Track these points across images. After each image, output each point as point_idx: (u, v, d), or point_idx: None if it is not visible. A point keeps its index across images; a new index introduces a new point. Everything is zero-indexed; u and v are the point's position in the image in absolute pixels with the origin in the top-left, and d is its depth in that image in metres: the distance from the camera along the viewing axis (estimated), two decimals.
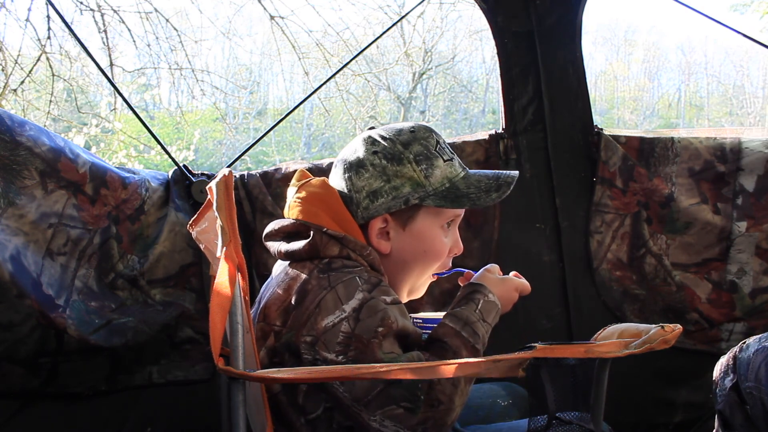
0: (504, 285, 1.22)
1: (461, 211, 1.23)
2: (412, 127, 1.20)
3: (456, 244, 1.25)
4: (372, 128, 1.23)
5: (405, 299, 1.26)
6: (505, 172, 1.23)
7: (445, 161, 1.19)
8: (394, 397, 1.02)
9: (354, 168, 1.17)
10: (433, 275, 1.27)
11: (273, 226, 1.22)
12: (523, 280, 1.26)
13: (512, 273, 1.29)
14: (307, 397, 1.06)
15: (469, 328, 1.10)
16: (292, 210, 1.19)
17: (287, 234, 1.19)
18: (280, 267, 1.22)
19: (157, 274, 1.93)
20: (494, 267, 1.26)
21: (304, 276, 1.10)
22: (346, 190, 1.18)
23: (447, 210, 1.19)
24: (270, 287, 1.17)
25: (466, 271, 1.31)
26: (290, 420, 1.08)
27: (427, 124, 1.23)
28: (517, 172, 1.24)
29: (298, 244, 1.14)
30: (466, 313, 1.12)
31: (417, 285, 1.25)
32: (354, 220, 1.16)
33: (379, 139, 1.18)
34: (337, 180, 1.20)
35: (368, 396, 1.02)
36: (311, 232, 1.13)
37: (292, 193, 1.21)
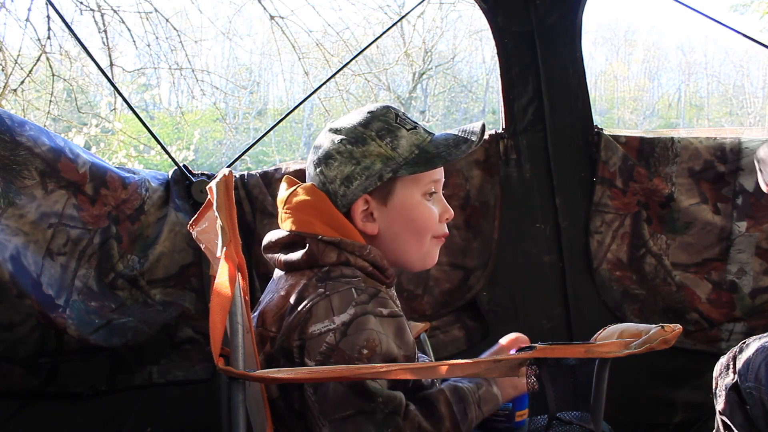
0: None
1: (439, 176, 1.22)
2: (369, 109, 1.21)
3: (445, 209, 1.23)
4: (331, 122, 1.24)
5: (419, 268, 1.25)
6: (470, 125, 1.22)
7: (408, 130, 1.18)
8: (361, 427, 1.00)
9: (323, 161, 1.17)
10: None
11: (270, 237, 1.21)
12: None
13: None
14: (302, 404, 1.06)
15: (461, 405, 1.09)
16: (284, 222, 1.18)
17: (284, 245, 1.19)
18: (279, 274, 1.22)
19: (157, 274, 1.93)
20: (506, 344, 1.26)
21: (302, 283, 1.09)
22: (321, 185, 1.17)
23: (423, 177, 1.18)
24: (269, 293, 1.17)
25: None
26: (290, 425, 1.08)
27: (385, 103, 1.22)
28: (482, 122, 1.22)
29: (295, 255, 1.13)
30: (466, 391, 1.11)
31: (423, 253, 1.22)
32: (347, 222, 1.16)
33: (339, 127, 1.19)
34: (311, 180, 1.20)
35: (336, 415, 1.00)
36: (307, 242, 1.12)
37: (281, 205, 1.20)
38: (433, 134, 1.21)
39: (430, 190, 1.20)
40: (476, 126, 1.20)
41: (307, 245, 1.12)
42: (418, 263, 1.23)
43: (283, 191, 1.21)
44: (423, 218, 1.19)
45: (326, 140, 1.19)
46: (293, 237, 1.16)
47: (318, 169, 1.18)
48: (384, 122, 1.17)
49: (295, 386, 1.05)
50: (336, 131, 1.19)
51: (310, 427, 1.02)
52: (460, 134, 1.20)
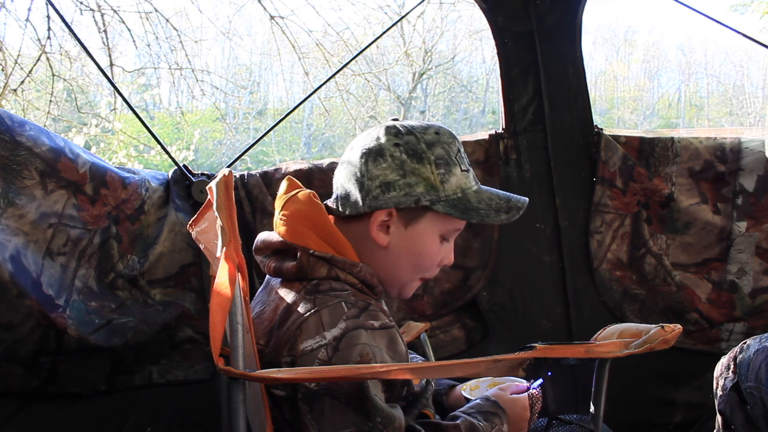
0: (519, 412, 1.20)
1: (463, 225, 1.21)
2: (438, 129, 1.18)
3: (447, 255, 1.23)
4: (395, 119, 1.22)
5: (394, 295, 1.24)
6: (516, 195, 1.22)
7: (462, 171, 1.17)
8: None
9: (372, 154, 1.14)
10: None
11: (261, 239, 1.20)
12: (534, 392, 1.24)
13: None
14: (294, 415, 1.05)
15: None
16: (278, 228, 1.17)
17: (275, 251, 1.18)
18: (270, 280, 1.21)
19: (157, 274, 1.93)
20: (513, 386, 1.26)
21: (291, 296, 1.09)
22: (358, 174, 1.15)
23: (452, 220, 1.17)
24: (259, 303, 1.17)
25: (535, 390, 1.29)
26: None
27: (451, 130, 1.20)
28: (527, 199, 1.22)
29: (286, 264, 1.13)
30: (480, 430, 1.12)
31: (405, 283, 1.22)
32: (342, 237, 1.14)
33: (404, 132, 1.16)
34: (351, 164, 1.18)
35: None
36: (298, 255, 1.11)
37: (277, 208, 1.19)
38: (480, 186, 1.20)
39: (449, 236, 1.20)
40: (523, 201, 1.20)
41: (298, 258, 1.11)
42: (396, 290, 1.23)
43: (281, 194, 1.20)
44: (429, 256, 1.19)
45: (386, 137, 1.16)
46: (285, 245, 1.15)
47: (363, 159, 1.15)
48: (446, 151, 1.15)
49: (286, 399, 1.04)
50: (399, 134, 1.15)
51: None
52: (504, 201, 1.19)
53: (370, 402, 1.00)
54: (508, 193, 1.21)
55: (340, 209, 1.18)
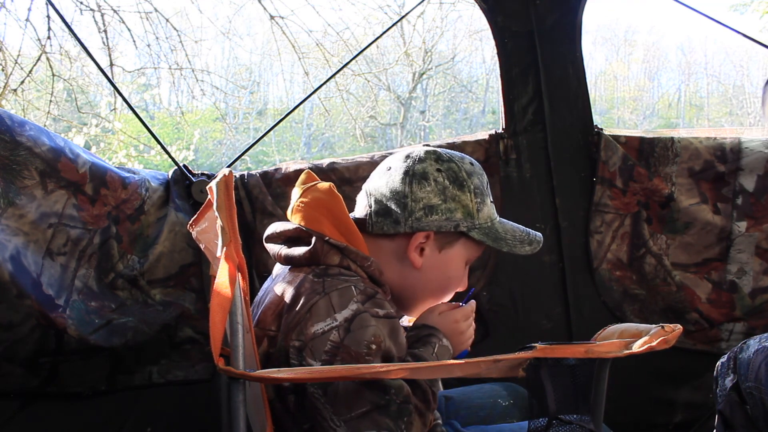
0: (451, 326, 1.22)
1: (480, 253, 1.26)
2: (471, 159, 1.25)
3: (464, 281, 1.28)
4: (427, 144, 1.26)
5: (408, 314, 1.27)
6: (532, 231, 1.27)
7: (491, 201, 1.24)
8: (378, 423, 1.00)
9: (418, 177, 1.18)
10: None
11: (274, 228, 1.21)
12: (465, 307, 1.25)
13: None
14: (297, 407, 1.05)
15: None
16: (294, 215, 1.18)
17: (288, 238, 1.18)
18: (278, 270, 1.22)
19: (157, 274, 1.93)
20: (439, 306, 1.27)
21: (299, 280, 1.10)
22: (400, 194, 1.17)
23: (477, 248, 1.23)
24: (268, 292, 1.17)
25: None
26: (286, 426, 1.07)
27: (479, 163, 1.26)
28: (541, 235, 1.28)
29: (298, 250, 1.13)
30: (424, 356, 1.13)
31: (424, 306, 1.26)
32: (357, 230, 1.16)
33: (445, 158, 1.20)
34: (392, 183, 1.19)
35: (350, 413, 1.00)
36: (313, 240, 1.12)
37: (296, 196, 1.20)
38: (498, 216, 1.26)
39: (472, 261, 1.25)
40: (539, 237, 1.26)
41: (313, 243, 1.12)
42: (413, 311, 1.26)
43: (300, 183, 1.21)
44: (455, 281, 1.24)
45: (428, 161, 1.19)
46: (299, 232, 1.16)
47: (408, 179, 1.18)
48: (480, 182, 1.22)
49: (291, 389, 1.04)
50: (440, 159, 1.20)
51: (322, 429, 1.01)
52: (524, 234, 1.25)
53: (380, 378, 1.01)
54: (524, 227, 1.27)
55: (375, 226, 1.19)
